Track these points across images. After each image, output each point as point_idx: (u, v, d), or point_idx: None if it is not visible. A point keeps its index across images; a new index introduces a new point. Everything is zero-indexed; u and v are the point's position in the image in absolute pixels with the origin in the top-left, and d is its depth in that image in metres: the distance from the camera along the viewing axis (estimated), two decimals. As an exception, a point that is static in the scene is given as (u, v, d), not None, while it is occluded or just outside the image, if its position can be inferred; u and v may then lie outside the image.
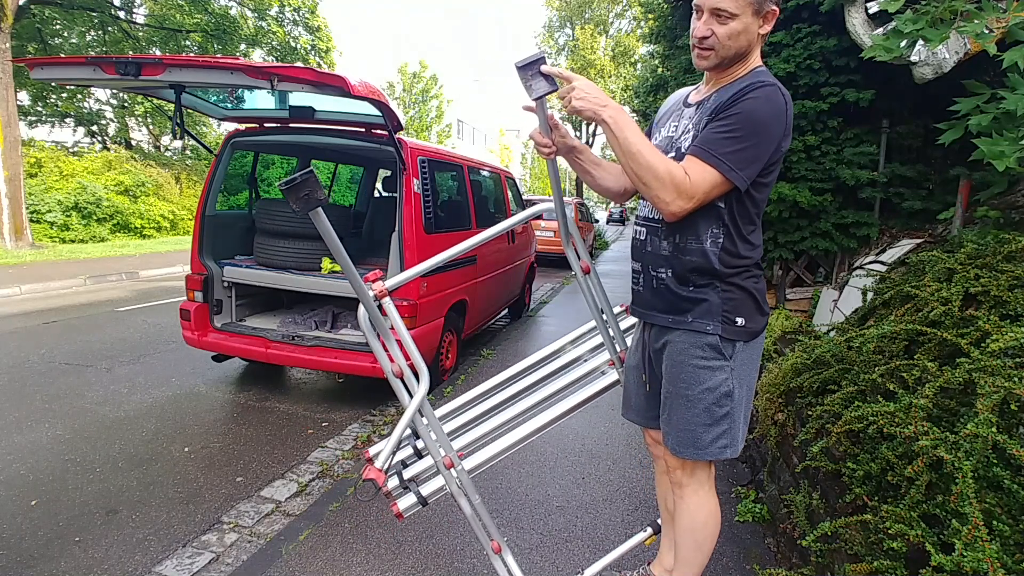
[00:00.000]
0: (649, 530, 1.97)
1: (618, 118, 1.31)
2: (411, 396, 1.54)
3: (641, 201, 1.55)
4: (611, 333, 1.74)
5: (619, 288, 9.09)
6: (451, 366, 4.58)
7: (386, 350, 1.56)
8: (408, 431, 1.59)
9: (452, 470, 1.63)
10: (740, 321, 1.42)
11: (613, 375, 1.80)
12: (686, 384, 1.46)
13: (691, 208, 1.32)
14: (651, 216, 1.50)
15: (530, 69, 1.30)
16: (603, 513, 2.58)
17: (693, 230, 1.41)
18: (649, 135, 1.60)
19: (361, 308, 1.49)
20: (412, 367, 1.56)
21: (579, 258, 1.67)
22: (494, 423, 1.78)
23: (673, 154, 1.44)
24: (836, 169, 4.58)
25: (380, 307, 1.50)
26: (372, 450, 1.82)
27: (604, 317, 1.75)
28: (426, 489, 1.69)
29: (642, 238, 1.53)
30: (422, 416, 1.58)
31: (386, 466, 1.37)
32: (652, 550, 2.31)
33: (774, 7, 1.32)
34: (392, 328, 1.54)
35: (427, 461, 1.76)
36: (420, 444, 1.91)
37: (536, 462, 3.05)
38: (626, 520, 2.52)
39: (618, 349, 1.77)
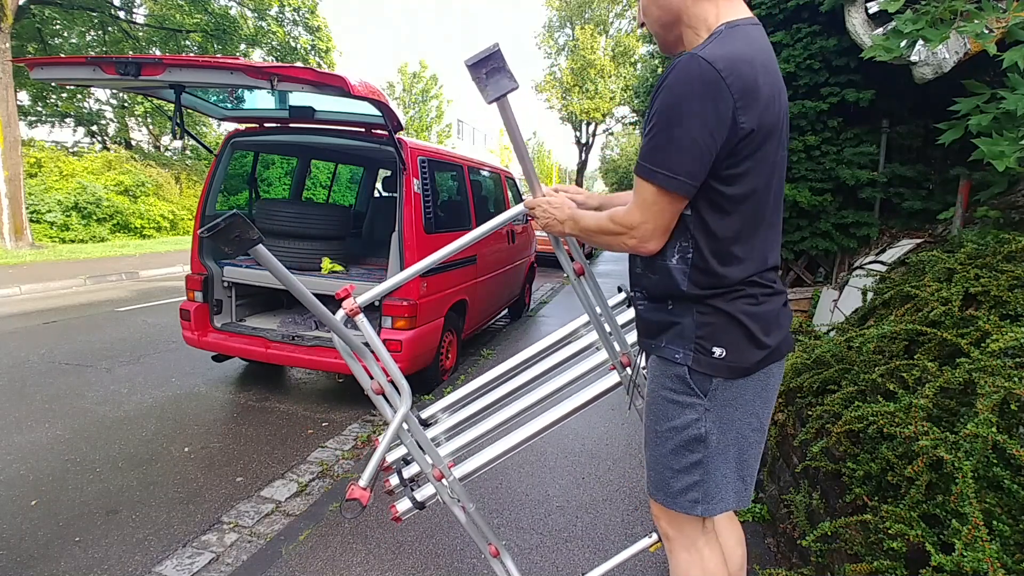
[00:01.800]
0: (654, 536, 1.80)
1: (577, 224, 1.31)
2: (394, 411, 1.49)
3: None
4: (608, 331, 1.64)
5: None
6: (451, 366, 4.58)
7: (374, 364, 1.54)
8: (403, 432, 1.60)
9: (443, 480, 1.62)
10: (718, 352, 1.17)
11: (615, 376, 1.72)
12: (654, 417, 1.27)
13: (655, 235, 1.15)
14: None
15: (483, 67, 1.13)
16: (603, 513, 2.58)
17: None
18: None
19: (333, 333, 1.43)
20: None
21: (572, 259, 1.56)
22: (491, 423, 1.76)
23: None
24: (836, 169, 4.59)
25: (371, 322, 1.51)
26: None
27: (601, 318, 1.65)
28: (422, 494, 1.69)
29: (629, 262, 1.39)
30: (408, 430, 1.56)
31: (370, 485, 1.36)
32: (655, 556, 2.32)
33: None
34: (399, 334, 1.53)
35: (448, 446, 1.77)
36: (424, 414, 1.94)
37: (536, 462, 3.05)
38: (626, 520, 2.52)
39: (618, 349, 1.65)
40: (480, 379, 1.91)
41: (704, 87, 1.03)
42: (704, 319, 1.18)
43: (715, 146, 1.06)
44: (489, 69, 1.12)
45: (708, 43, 1.10)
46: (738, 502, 1.26)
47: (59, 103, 17.75)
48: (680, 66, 1.06)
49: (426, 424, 1.87)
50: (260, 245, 1.08)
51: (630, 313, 1.82)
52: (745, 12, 1.17)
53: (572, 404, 1.71)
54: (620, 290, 1.84)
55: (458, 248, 1.53)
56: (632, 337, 1.72)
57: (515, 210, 1.49)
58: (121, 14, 16.36)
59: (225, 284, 4.13)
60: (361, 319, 1.46)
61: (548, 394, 1.77)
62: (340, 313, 1.44)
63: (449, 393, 2.02)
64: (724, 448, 1.22)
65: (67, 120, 18.51)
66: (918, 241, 4.16)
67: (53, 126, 18.55)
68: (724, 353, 1.17)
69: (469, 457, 1.74)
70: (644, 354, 1.43)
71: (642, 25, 1.30)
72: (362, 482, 1.34)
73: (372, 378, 1.52)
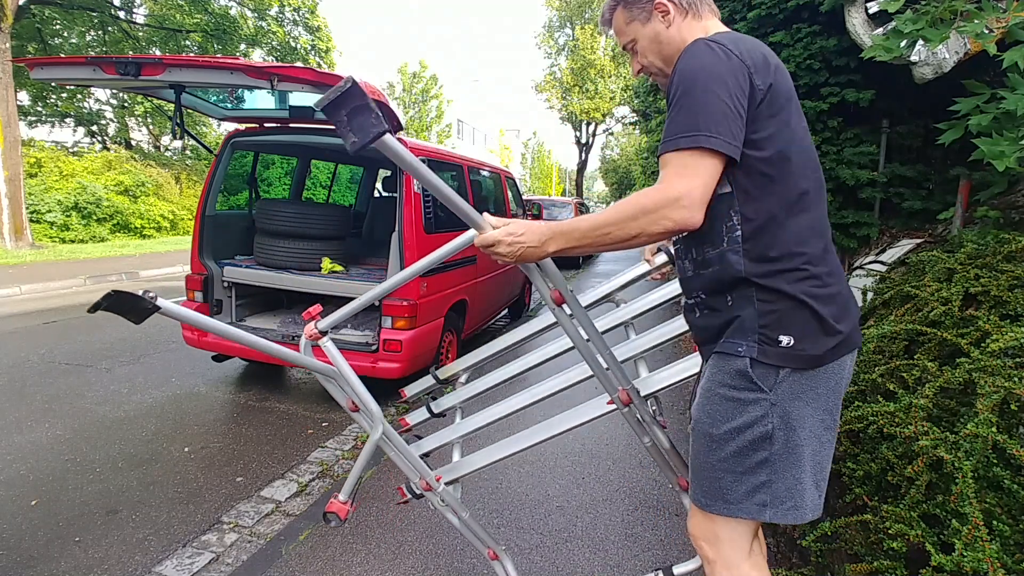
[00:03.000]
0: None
1: (569, 234, 1.12)
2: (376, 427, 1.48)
3: None
4: (604, 365, 1.43)
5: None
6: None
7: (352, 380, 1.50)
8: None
9: (431, 492, 1.63)
10: (786, 340, 1.08)
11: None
12: (709, 420, 1.17)
13: (703, 201, 1.05)
14: (675, 243, 1.32)
15: (341, 108, 0.90)
16: (603, 513, 2.58)
17: (706, 236, 1.16)
18: None
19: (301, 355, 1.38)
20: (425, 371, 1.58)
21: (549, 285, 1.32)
22: (486, 419, 1.75)
23: None
24: (836, 169, 4.58)
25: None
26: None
27: (595, 350, 1.42)
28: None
29: (678, 268, 1.31)
30: (392, 444, 1.55)
31: (350, 499, 1.40)
32: (655, 556, 2.32)
33: (657, 1, 1.22)
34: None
35: (437, 439, 1.80)
36: (435, 407, 1.98)
37: (536, 462, 3.05)
38: (626, 520, 2.52)
39: (616, 384, 1.44)
40: (484, 380, 1.91)
41: (716, 58, 1.08)
42: (767, 306, 1.10)
43: (742, 109, 1.06)
44: (349, 110, 0.91)
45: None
46: (813, 511, 1.13)
47: (59, 103, 17.76)
48: (688, 50, 1.11)
49: (440, 415, 1.86)
50: (386, 136, 0.95)
51: (630, 346, 1.73)
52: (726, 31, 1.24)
53: (564, 424, 1.63)
54: (617, 304, 1.76)
55: (404, 279, 1.37)
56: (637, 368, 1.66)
57: (463, 238, 1.24)
58: (121, 14, 16.37)
59: (225, 284, 4.13)
60: (326, 343, 1.39)
61: (544, 396, 1.75)
62: (303, 339, 1.38)
63: (449, 392, 2.02)
64: (794, 447, 1.11)
65: (67, 120, 18.53)
66: (918, 241, 4.16)
67: (53, 126, 18.57)
68: (792, 341, 1.08)
69: (461, 462, 1.74)
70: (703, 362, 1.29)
71: (639, 73, 1.34)
72: (341, 496, 1.37)
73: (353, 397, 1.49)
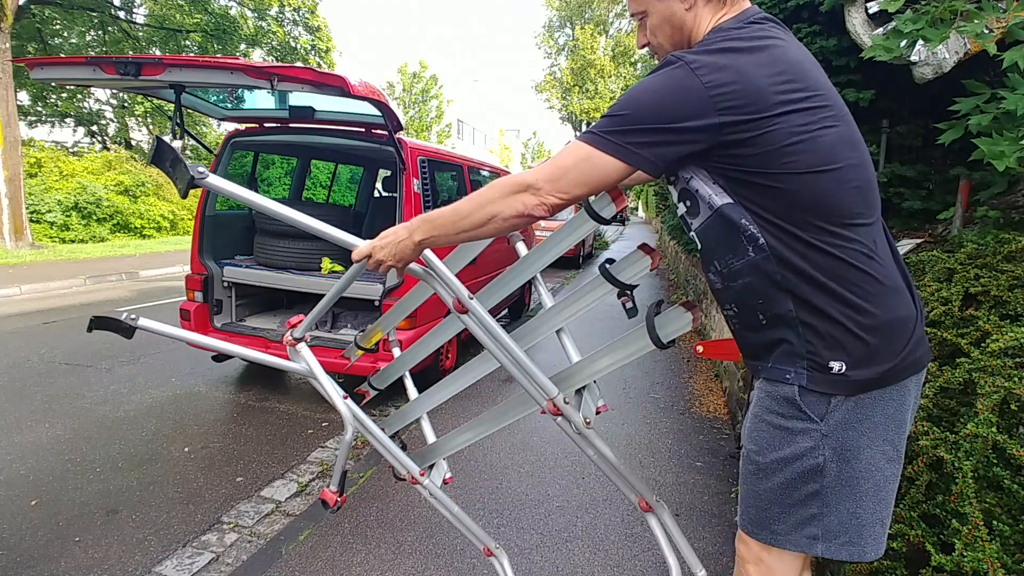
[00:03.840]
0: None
1: (430, 223, 1.14)
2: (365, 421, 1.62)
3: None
4: (525, 374, 1.33)
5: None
6: (451, 366, 4.58)
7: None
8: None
9: (418, 485, 1.69)
10: (837, 366, 0.99)
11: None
12: (757, 447, 1.10)
13: (560, 192, 1.03)
14: (697, 248, 1.21)
15: (163, 160, 1.12)
16: (603, 513, 2.58)
17: (727, 245, 1.06)
18: None
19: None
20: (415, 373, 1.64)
21: (451, 293, 1.31)
22: (448, 391, 1.76)
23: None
24: (836, 169, 4.58)
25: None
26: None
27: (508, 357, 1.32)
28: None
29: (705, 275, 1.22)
30: (378, 437, 1.65)
31: (337, 489, 1.53)
32: (655, 557, 2.32)
33: None
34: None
35: (402, 417, 1.86)
36: (376, 382, 2.07)
37: (536, 462, 3.05)
38: (626, 520, 2.52)
39: (538, 394, 1.32)
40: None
41: (673, 89, 1.08)
42: (811, 327, 1.01)
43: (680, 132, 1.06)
44: (170, 161, 1.11)
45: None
46: (875, 549, 1.05)
47: (59, 103, 17.76)
48: (664, 70, 1.10)
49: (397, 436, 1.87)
50: (210, 178, 1.13)
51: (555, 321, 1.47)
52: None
53: (498, 419, 1.56)
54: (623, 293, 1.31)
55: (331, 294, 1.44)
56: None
57: (352, 271, 1.30)
58: (121, 14, 16.37)
59: (225, 284, 4.13)
60: (301, 348, 1.54)
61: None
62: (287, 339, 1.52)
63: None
64: (849, 480, 1.03)
65: (67, 120, 18.53)
66: (918, 241, 4.16)
67: (53, 126, 18.56)
68: (844, 367, 0.99)
69: (434, 444, 1.75)
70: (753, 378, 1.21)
71: (644, 47, 1.24)
72: (332, 486, 1.50)
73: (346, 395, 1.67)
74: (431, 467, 1.75)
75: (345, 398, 1.62)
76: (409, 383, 1.83)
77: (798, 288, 1.01)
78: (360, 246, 1.22)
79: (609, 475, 1.38)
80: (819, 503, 1.04)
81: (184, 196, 1.13)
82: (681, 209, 1.15)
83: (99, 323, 1.15)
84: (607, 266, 1.26)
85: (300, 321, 1.52)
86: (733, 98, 0.95)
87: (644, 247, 1.22)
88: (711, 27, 1.10)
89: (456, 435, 1.67)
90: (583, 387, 1.34)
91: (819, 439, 1.02)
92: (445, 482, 1.73)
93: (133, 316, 1.33)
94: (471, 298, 1.29)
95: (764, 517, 1.10)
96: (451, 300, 1.31)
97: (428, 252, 1.26)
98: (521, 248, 1.60)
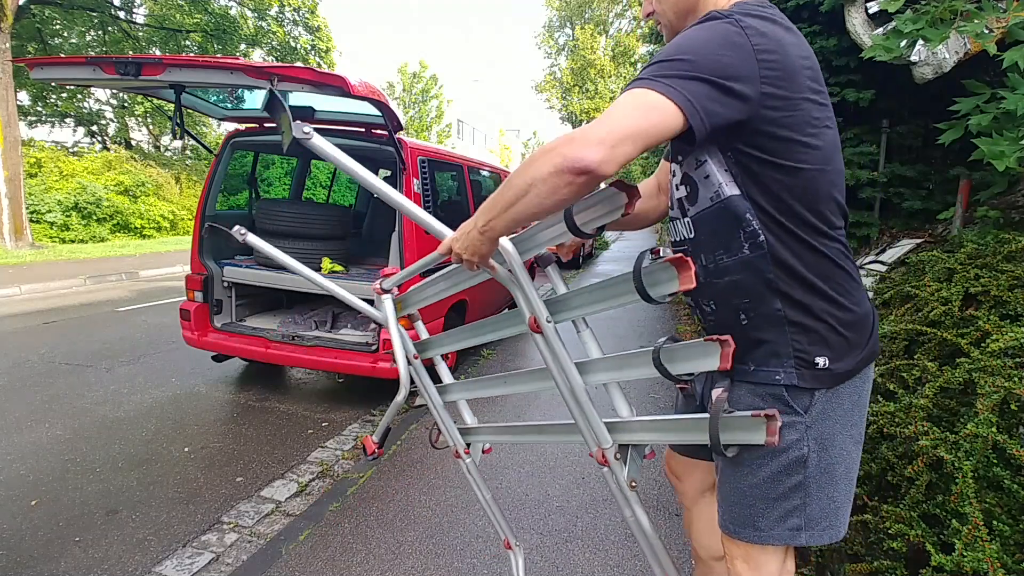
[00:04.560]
0: None
1: (486, 209, 1.02)
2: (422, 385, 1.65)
3: (670, 224, 1.20)
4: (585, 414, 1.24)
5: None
6: (451, 366, 4.57)
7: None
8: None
9: (461, 461, 1.71)
10: (822, 362, 1.02)
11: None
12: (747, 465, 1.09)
13: (617, 139, 0.86)
14: (679, 239, 1.17)
15: (277, 112, 1.11)
16: (603, 513, 2.58)
17: (720, 240, 1.04)
18: None
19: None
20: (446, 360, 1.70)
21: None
22: (487, 389, 1.73)
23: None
24: (836, 169, 4.58)
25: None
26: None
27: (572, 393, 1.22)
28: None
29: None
30: (436, 403, 1.68)
31: (379, 440, 1.54)
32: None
33: None
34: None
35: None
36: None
37: (536, 462, 3.05)
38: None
39: (590, 439, 1.26)
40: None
41: (731, 36, 0.99)
42: (798, 325, 1.02)
43: (737, 92, 0.98)
44: (280, 115, 1.07)
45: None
46: (845, 527, 1.10)
47: (59, 103, 17.76)
48: (710, 23, 1.01)
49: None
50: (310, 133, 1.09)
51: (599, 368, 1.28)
52: None
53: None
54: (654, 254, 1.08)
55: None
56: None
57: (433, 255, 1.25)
58: (121, 14, 16.37)
59: (225, 284, 4.13)
60: (385, 299, 1.53)
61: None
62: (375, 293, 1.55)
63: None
64: (827, 467, 1.06)
65: (67, 120, 18.53)
66: (918, 241, 4.16)
67: (53, 126, 18.56)
68: (827, 361, 1.02)
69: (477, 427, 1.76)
70: (714, 382, 1.17)
71: (648, 15, 1.18)
72: (375, 437, 1.52)
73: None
74: (468, 447, 1.77)
75: (416, 358, 1.65)
76: (443, 366, 1.80)
77: (789, 287, 1.01)
78: (447, 237, 1.13)
79: (640, 542, 1.31)
80: (802, 494, 1.06)
81: (285, 152, 1.17)
82: (680, 192, 1.11)
83: (213, 230, 1.19)
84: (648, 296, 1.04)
85: (394, 273, 1.55)
86: (775, 68, 0.92)
87: (677, 261, 0.96)
88: (730, 2, 1.04)
89: (499, 432, 1.73)
90: (633, 445, 1.24)
91: (804, 431, 1.04)
92: (484, 452, 1.77)
93: (242, 231, 1.49)
94: (549, 320, 1.17)
95: (747, 515, 1.10)
96: (528, 316, 1.20)
97: (515, 261, 1.13)
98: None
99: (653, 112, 0.87)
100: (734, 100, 0.90)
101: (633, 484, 1.21)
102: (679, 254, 0.92)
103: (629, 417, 1.22)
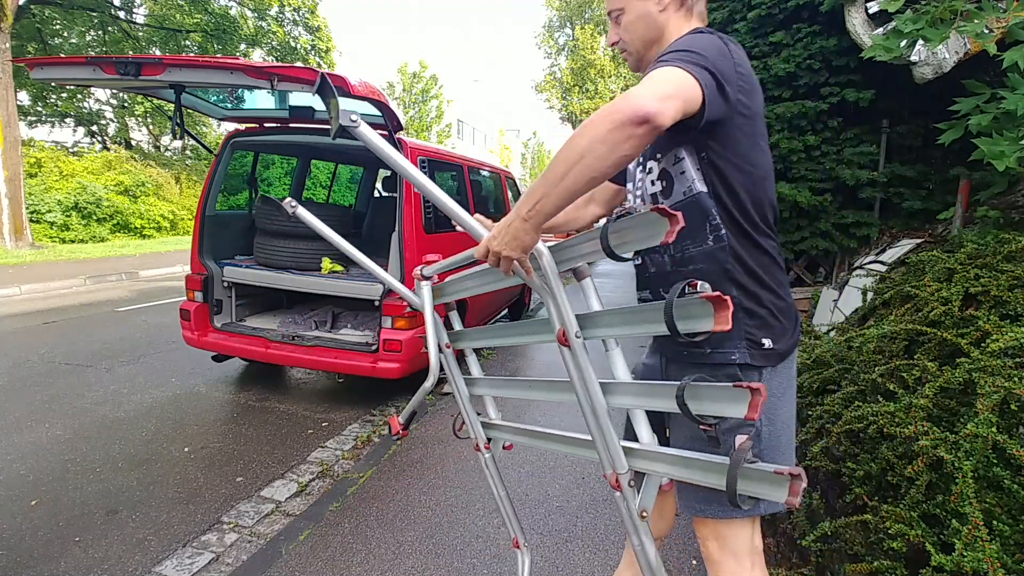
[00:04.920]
0: None
1: (536, 190, 1.00)
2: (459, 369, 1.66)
3: None
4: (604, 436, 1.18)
5: (619, 290, 9.10)
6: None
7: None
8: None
9: (481, 455, 1.71)
10: (767, 343, 1.16)
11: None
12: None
13: (664, 95, 0.94)
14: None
15: (328, 96, 1.12)
16: (603, 513, 2.58)
17: (689, 231, 1.15)
18: None
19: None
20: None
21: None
22: (514, 390, 1.71)
23: (650, 152, 1.26)
24: (836, 169, 4.58)
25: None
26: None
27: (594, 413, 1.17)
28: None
29: (641, 260, 1.29)
30: (463, 394, 1.67)
31: (404, 422, 1.55)
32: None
33: None
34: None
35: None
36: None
37: (536, 462, 3.05)
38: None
39: (607, 462, 1.19)
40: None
41: (717, 45, 1.13)
42: (749, 310, 1.16)
43: (726, 94, 1.11)
44: (330, 99, 1.09)
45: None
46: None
47: (59, 103, 17.75)
48: (693, 34, 1.18)
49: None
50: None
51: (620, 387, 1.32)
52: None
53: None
54: None
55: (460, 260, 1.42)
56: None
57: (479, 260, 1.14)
58: (121, 14, 16.37)
59: (225, 284, 4.13)
60: (424, 285, 1.54)
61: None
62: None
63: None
64: (775, 439, 1.19)
65: (67, 120, 18.51)
66: (918, 241, 4.16)
67: (53, 126, 18.55)
68: (771, 342, 1.16)
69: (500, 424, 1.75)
70: (667, 363, 1.30)
71: (613, 44, 1.32)
72: (401, 419, 1.54)
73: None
74: (489, 441, 1.76)
75: (448, 347, 1.65)
76: (473, 359, 1.80)
77: (741, 277, 1.16)
78: (484, 237, 1.09)
79: (643, 572, 1.26)
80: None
81: (333, 138, 1.16)
82: (656, 187, 1.24)
83: (265, 200, 1.18)
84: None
85: (436, 260, 1.56)
86: (745, 82, 1.09)
87: (716, 299, 0.90)
88: (688, 31, 1.21)
89: (518, 433, 1.71)
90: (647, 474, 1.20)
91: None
92: (505, 448, 1.76)
93: (293, 203, 1.52)
94: (579, 336, 1.14)
95: (711, 491, 1.12)
96: (557, 328, 1.16)
97: (551, 268, 1.10)
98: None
99: (685, 84, 0.98)
100: (723, 99, 1.04)
101: (644, 514, 1.19)
102: (718, 292, 0.90)
103: (649, 446, 1.19)
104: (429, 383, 1.51)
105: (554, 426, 1.54)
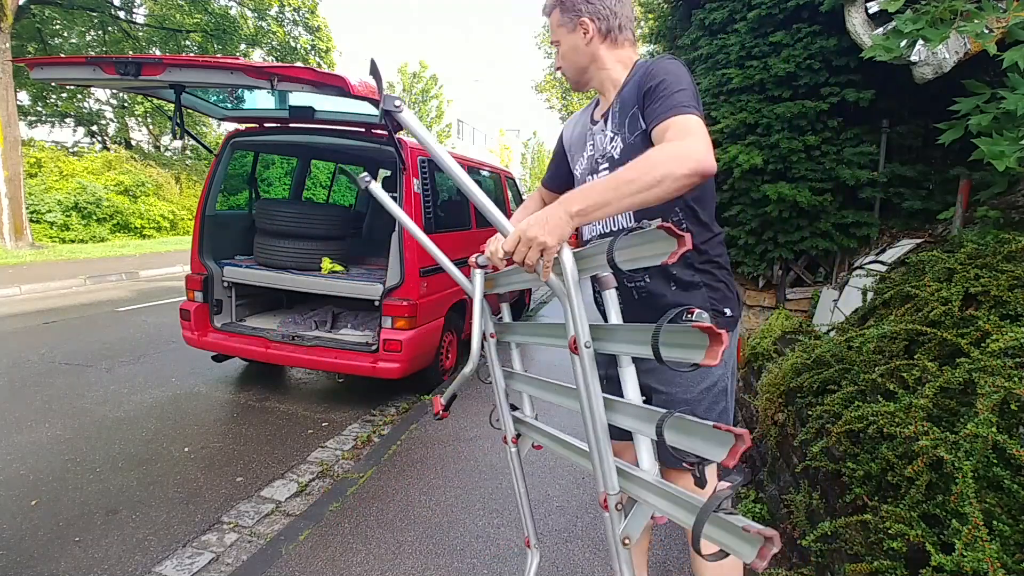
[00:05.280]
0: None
1: (583, 194, 1.05)
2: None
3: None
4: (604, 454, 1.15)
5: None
6: (451, 366, 4.58)
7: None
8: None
9: (508, 448, 1.73)
10: (728, 311, 1.40)
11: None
12: (683, 387, 1.39)
13: (711, 149, 1.12)
14: (607, 230, 1.45)
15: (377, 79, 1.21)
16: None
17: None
18: (563, 161, 1.64)
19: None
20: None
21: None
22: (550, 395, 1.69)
23: (606, 165, 1.42)
24: (836, 169, 4.58)
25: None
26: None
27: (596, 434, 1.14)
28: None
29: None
30: (500, 385, 1.70)
31: (446, 403, 1.60)
32: (654, 557, 2.31)
33: (583, 19, 1.38)
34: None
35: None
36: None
37: (536, 462, 3.05)
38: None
39: (605, 483, 1.18)
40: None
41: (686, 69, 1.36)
42: (710, 285, 1.39)
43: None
44: (378, 84, 1.17)
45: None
46: None
47: (59, 103, 17.76)
48: (668, 59, 1.34)
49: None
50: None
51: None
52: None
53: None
54: None
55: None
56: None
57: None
58: (121, 14, 16.37)
59: (225, 284, 4.13)
60: (477, 273, 1.57)
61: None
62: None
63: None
64: (733, 392, 1.46)
65: (67, 120, 18.52)
66: (918, 241, 4.16)
67: (53, 126, 18.55)
68: (730, 311, 1.40)
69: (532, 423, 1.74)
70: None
71: (557, 69, 1.51)
72: (443, 400, 1.60)
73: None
74: (517, 436, 1.76)
75: (492, 337, 1.68)
76: (515, 353, 1.81)
77: (701, 263, 1.39)
78: (512, 231, 1.09)
79: None
80: (726, 417, 1.43)
81: (380, 120, 1.18)
82: None
83: (342, 171, 1.15)
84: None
85: (482, 250, 1.58)
86: (697, 100, 1.28)
87: (711, 331, 0.87)
88: (625, 60, 1.42)
89: (543, 434, 1.72)
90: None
91: (723, 366, 1.40)
92: (534, 447, 1.76)
93: (367, 178, 1.56)
94: (588, 345, 1.12)
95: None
96: (570, 335, 1.14)
97: (571, 274, 1.07)
98: None
99: (706, 130, 1.18)
100: None
101: (626, 541, 1.16)
102: (711, 325, 0.87)
103: (646, 474, 1.13)
104: (468, 369, 1.55)
105: (553, 426, 1.54)
